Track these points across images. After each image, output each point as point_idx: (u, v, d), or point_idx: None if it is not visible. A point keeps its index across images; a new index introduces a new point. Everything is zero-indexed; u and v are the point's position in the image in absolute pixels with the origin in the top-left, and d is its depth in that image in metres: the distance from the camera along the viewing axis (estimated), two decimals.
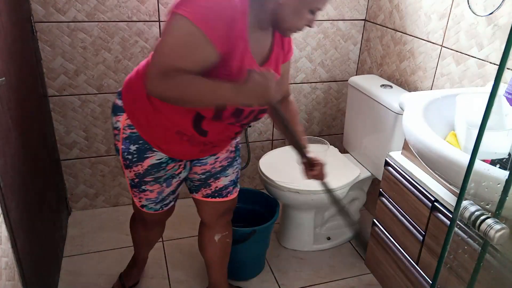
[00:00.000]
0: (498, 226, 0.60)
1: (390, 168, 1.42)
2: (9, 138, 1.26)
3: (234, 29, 1.00)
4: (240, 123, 1.23)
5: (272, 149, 2.24)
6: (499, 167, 1.04)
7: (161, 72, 0.98)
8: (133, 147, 1.25)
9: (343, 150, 2.19)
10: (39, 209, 1.57)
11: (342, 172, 1.93)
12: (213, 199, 1.45)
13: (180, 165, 1.33)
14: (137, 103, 1.21)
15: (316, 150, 1.97)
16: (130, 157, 1.27)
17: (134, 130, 1.24)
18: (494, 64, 1.43)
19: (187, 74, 0.99)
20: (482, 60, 1.47)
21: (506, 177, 0.64)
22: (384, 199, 1.47)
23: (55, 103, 1.95)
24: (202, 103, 1.07)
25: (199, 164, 1.38)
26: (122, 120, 1.25)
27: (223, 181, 1.43)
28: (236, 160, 1.47)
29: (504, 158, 1.08)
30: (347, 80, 2.15)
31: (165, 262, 1.92)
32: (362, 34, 2.23)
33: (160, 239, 2.04)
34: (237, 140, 1.48)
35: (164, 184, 1.34)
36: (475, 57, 1.51)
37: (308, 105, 2.34)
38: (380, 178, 1.86)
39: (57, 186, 1.97)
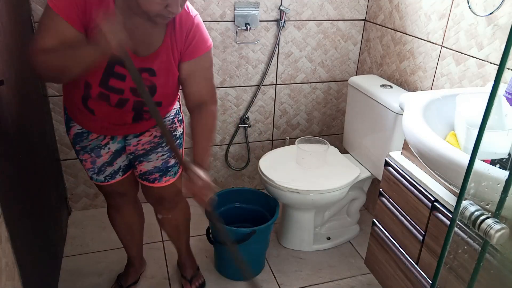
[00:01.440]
0: (498, 226, 0.60)
1: (390, 168, 1.42)
2: (9, 138, 1.26)
3: (89, 11, 1.10)
4: (129, 109, 1.27)
5: (272, 149, 2.24)
6: (499, 167, 1.04)
7: (37, 49, 1.09)
8: (64, 119, 1.40)
9: (343, 150, 2.19)
10: (39, 209, 1.57)
11: (342, 172, 1.93)
12: (142, 181, 1.51)
13: (105, 136, 1.39)
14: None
15: (316, 150, 1.98)
16: (66, 127, 1.41)
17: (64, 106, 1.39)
18: (494, 64, 1.44)
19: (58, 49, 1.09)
20: (482, 60, 1.47)
21: (506, 177, 0.64)
22: (384, 199, 1.47)
23: (55, 103, 1.95)
24: (72, 68, 1.10)
25: (126, 144, 1.44)
26: (179, 99, 1.45)
27: (146, 166, 1.45)
28: (162, 147, 1.44)
29: (504, 158, 1.08)
30: (347, 80, 2.15)
31: (165, 262, 1.92)
32: (362, 34, 2.23)
33: (160, 239, 2.04)
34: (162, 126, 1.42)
35: (93, 154, 1.41)
36: (475, 57, 1.51)
37: (308, 105, 2.34)
38: (380, 178, 1.86)
39: (57, 186, 1.97)
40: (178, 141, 1.48)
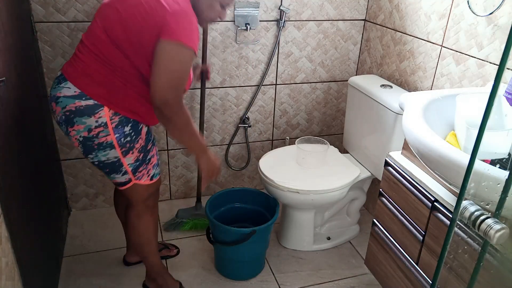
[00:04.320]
0: (498, 226, 0.60)
1: (390, 168, 1.42)
2: (9, 138, 1.26)
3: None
4: None
5: (272, 149, 2.24)
6: (499, 167, 1.04)
7: (179, 96, 1.24)
8: (127, 128, 1.34)
9: (343, 150, 2.19)
10: (39, 209, 1.57)
11: (342, 172, 1.93)
12: None
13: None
14: (115, 93, 1.30)
15: (316, 150, 1.98)
16: (128, 138, 1.34)
17: (120, 115, 1.32)
18: (494, 64, 1.43)
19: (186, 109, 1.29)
20: (482, 60, 1.47)
21: (506, 177, 0.64)
22: (384, 199, 1.47)
23: None
24: (182, 133, 1.33)
25: None
26: (105, 113, 1.29)
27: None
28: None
29: (504, 158, 1.08)
30: (347, 80, 2.15)
31: (165, 262, 1.92)
32: (362, 34, 2.23)
33: (160, 239, 2.04)
34: None
35: (156, 148, 1.50)
36: (475, 57, 1.51)
37: (308, 105, 2.34)
38: (380, 178, 1.86)
39: (57, 186, 1.97)
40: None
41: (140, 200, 1.50)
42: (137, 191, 1.46)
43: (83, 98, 1.28)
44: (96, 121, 1.29)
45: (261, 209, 1.92)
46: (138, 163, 1.40)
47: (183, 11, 1.21)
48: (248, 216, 1.93)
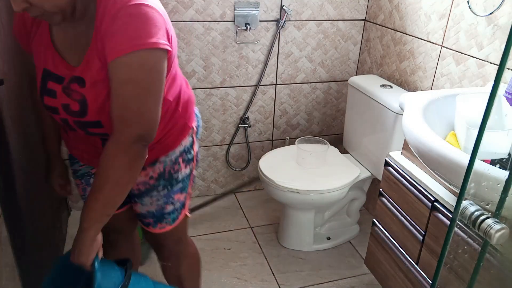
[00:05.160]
0: (498, 226, 0.60)
1: (390, 168, 1.42)
2: (9, 138, 1.26)
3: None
4: (81, 132, 1.04)
5: (272, 149, 2.24)
6: (499, 167, 1.04)
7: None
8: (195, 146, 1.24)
9: (343, 150, 2.19)
10: (39, 209, 1.57)
11: (342, 172, 1.93)
12: (138, 221, 1.30)
13: (94, 167, 1.22)
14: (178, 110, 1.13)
15: (316, 150, 1.98)
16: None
17: (192, 128, 1.20)
18: (494, 64, 1.43)
19: None
20: (482, 60, 1.47)
21: (506, 177, 0.64)
22: (384, 199, 1.47)
23: None
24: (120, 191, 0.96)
25: None
26: (191, 133, 1.19)
27: (139, 208, 1.22)
28: (157, 191, 1.18)
29: (504, 158, 1.08)
30: (347, 80, 2.15)
31: None
32: (362, 34, 2.23)
33: None
34: (159, 168, 1.17)
35: (83, 181, 1.27)
36: (475, 57, 1.51)
37: (308, 105, 2.34)
38: (380, 178, 1.86)
39: None
40: (180, 184, 1.21)
41: (185, 228, 1.33)
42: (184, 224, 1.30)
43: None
44: (187, 150, 1.21)
45: None
46: (192, 181, 1.29)
47: None
48: None
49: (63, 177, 1.32)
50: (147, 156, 0.97)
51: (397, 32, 1.94)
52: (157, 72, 0.92)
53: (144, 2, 0.89)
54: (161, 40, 0.89)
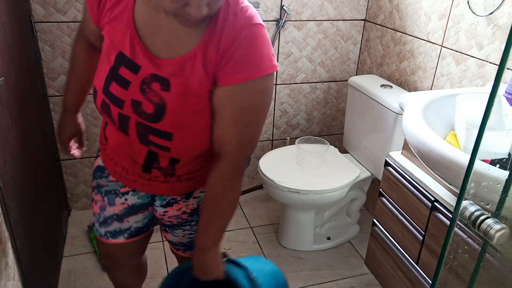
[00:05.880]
0: (498, 226, 0.60)
1: (390, 168, 1.42)
2: (9, 138, 1.26)
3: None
4: (134, 137, 0.95)
5: (272, 149, 2.24)
6: (499, 167, 1.04)
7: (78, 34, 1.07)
8: None
9: (343, 150, 2.19)
10: (39, 209, 1.57)
11: (342, 172, 1.93)
12: (169, 243, 1.27)
13: (124, 185, 1.10)
14: None
15: (316, 150, 1.98)
16: None
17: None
18: (494, 64, 1.43)
19: None
20: (482, 60, 1.47)
21: (506, 177, 0.64)
22: (384, 199, 1.47)
23: (55, 103, 1.95)
24: (226, 214, 0.99)
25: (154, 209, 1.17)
26: None
27: (170, 237, 1.21)
28: (190, 225, 1.15)
29: (504, 158, 1.08)
30: (347, 80, 2.15)
31: (165, 262, 1.92)
32: (362, 34, 2.23)
33: (160, 239, 2.04)
34: (189, 202, 1.12)
35: (106, 199, 1.13)
36: (475, 57, 1.51)
37: (308, 105, 2.34)
38: (380, 178, 1.86)
39: (57, 186, 1.97)
40: None
41: None
42: None
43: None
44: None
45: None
46: None
47: None
48: None
49: (77, 139, 1.28)
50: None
51: (397, 32, 1.94)
52: (271, 94, 0.91)
53: (261, 22, 0.88)
54: (276, 62, 0.89)
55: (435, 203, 1.22)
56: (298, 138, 2.06)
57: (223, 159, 0.92)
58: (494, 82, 0.59)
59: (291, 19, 2.09)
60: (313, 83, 2.29)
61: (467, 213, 0.64)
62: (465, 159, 0.96)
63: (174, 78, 0.87)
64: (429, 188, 1.24)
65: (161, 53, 0.87)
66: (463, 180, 0.65)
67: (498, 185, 0.68)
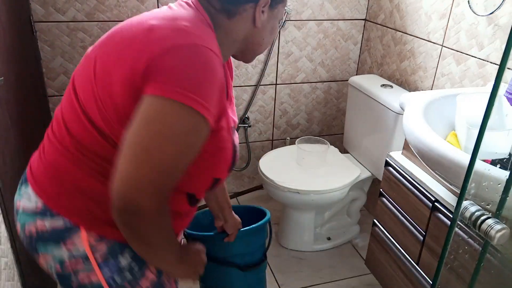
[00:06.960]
0: (498, 226, 0.60)
1: (390, 168, 1.42)
2: (9, 138, 1.26)
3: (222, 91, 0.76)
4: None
5: (272, 149, 2.24)
6: (500, 167, 1.03)
7: (161, 198, 0.70)
8: (123, 260, 0.82)
9: (343, 150, 2.19)
10: None
11: (342, 172, 1.93)
12: None
13: None
14: (97, 202, 0.79)
15: (316, 150, 1.98)
16: (128, 275, 0.83)
17: (109, 239, 0.81)
18: (495, 64, 1.43)
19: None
20: (483, 60, 1.47)
21: (507, 177, 0.64)
22: (384, 199, 1.47)
23: (55, 103, 1.95)
24: (154, 253, 0.78)
25: None
26: (82, 240, 0.79)
27: None
28: None
29: (504, 158, 1.08)
30: (347, 80, 2.14)
31: None
32: (363, 34, 2.23)
33: None
34: None
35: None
36: (475, 57, 1.50)
37: (308, 105, 2.34)
38: (380, 178, 1.86)
39: None
40: None
41: None
42: None
43: (43, 217, 0.81)
44: (69, 254, 0.80)
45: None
46: None
47: (189, 45, 0.70)
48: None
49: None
50: None
51: (398, 32, 1.93)
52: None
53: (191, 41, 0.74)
54: None
55: (435, 203, 1.21)
56: (298, 138, 2.06)
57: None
58: (495, 82, 0.58)
59: (291, 18, 2.09)
60: (313, 83, 2.29)
61: (468, 214, 0.64)
62: (465, 159, 0.96)
63: None
64: (430, 188, 1.24)
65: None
66: (463, 180, 0.65)
67: (499, 185, 0.67)
